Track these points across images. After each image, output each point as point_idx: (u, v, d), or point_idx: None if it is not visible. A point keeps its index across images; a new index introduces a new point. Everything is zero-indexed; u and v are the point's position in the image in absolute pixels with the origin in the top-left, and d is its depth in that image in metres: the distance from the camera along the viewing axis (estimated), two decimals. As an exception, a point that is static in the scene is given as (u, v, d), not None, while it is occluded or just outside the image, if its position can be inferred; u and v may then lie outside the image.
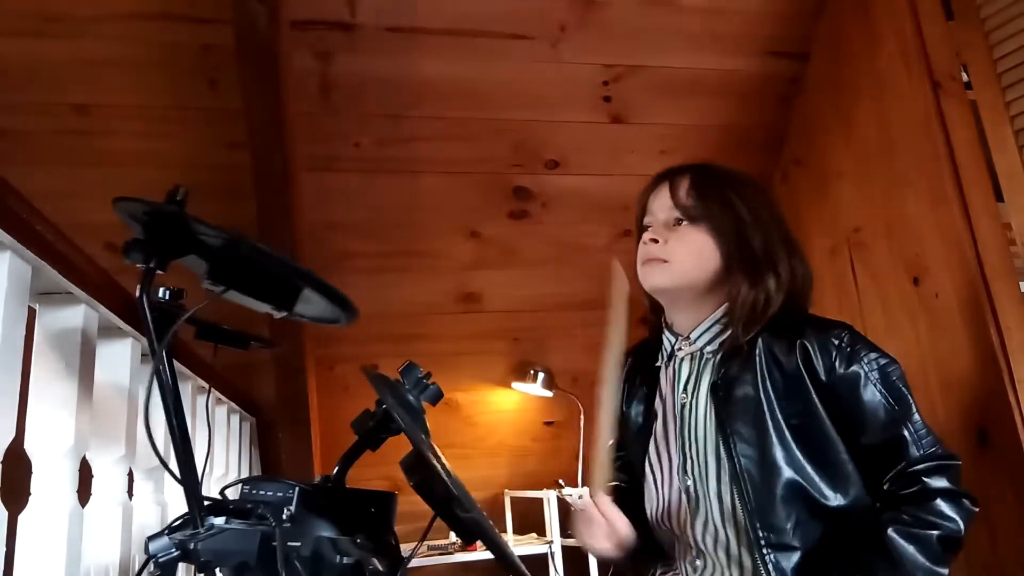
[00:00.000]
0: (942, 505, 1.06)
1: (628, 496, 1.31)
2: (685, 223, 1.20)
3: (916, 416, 1.11)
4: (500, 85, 2.69)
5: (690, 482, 1.17)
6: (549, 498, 2.87)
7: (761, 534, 1.10)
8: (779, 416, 1.12)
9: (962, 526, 1.06)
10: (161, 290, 0.74)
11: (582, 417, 3.15)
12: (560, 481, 2.91)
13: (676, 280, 1.20)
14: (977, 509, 1.08)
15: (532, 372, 3.12)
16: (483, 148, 2.81)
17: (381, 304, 2.86)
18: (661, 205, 1.24)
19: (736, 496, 1.12)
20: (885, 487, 1.10)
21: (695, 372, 1.22)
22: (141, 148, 2.51)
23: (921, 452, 1.09)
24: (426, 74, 2.62)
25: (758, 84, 2.84)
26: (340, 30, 2.50)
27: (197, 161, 2.54)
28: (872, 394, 1.10)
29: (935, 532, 1.05)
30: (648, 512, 1.26)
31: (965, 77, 2.24)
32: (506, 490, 3.14)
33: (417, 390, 0.79)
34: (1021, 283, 2.10)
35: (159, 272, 0.72)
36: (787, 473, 1.10)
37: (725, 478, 1.13)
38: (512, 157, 2.86)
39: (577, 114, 2.81)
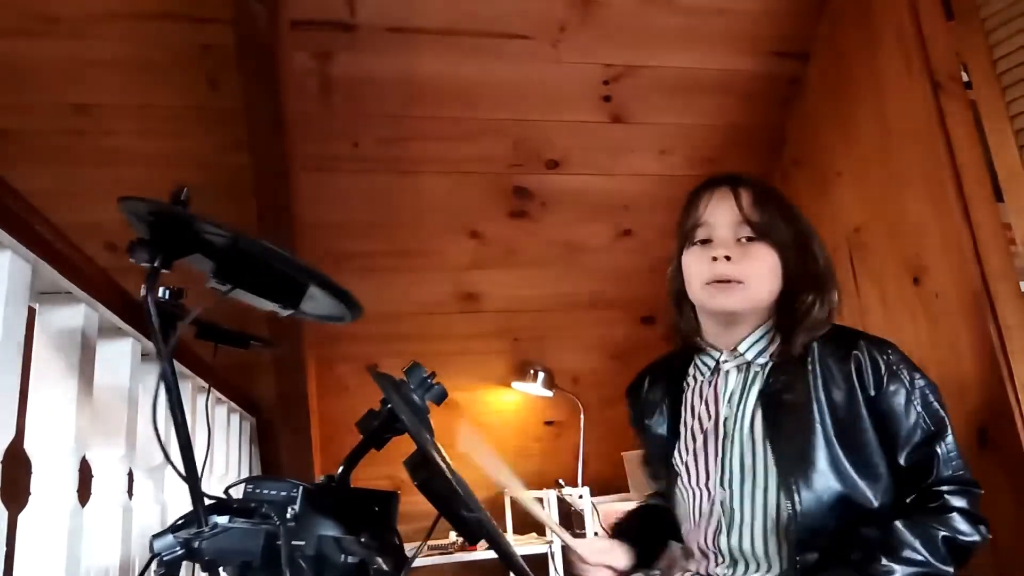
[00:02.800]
0: (957, 519, 1.10)
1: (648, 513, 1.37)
2: (754, 240, 1.18)
3: (950, 438, 1.15)
4: (500, 85, 2.69)
5: (726, 494, 1.17)
6: (549, 498, 2.88)
7: (800, 537, 1.11)
8: (828, 423, 1.14)
9: (972, 540, 1.09)
10: (161, 290, 0.74)
11: (582, 417, 3.15)
12: (560, 481, 2.91)
13: (752, 302, 1.19)
14: (989, 537, 1.12)
15: (532, 372, 3.12)
16: (483, 148, 2.81)
17: (381, 304, 2.86)
18: (724, 218, 1.19)
19: (782, 503, 1.12)
20: (908, 500, 1.14)
21: (742, 384, 1.21)
22: (141, 148, 2.51)
23: (949, 473, 1.13)
24: (426, 74, 2.62)
25: (758, 84, 2.84)
26: (340, 30, 2.49)
27: (197, 161, 2.54)
28: (914, 414, 1.14)
29: (943, 533, 1.08)
30: (681, 521, 1.27)
31: (965, 77, 2.24)
32: (506, 490, 3.14)
33: (422, 390, 0.79)
34: (1021, 283, 2.10)
35: (164, 272, 0.72)
36: (833, 479, 1.11)
37: (772, 486, 1.13)
38: (512, 157, 2.86)
39: (577, 114, 2.81)
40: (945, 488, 1.12)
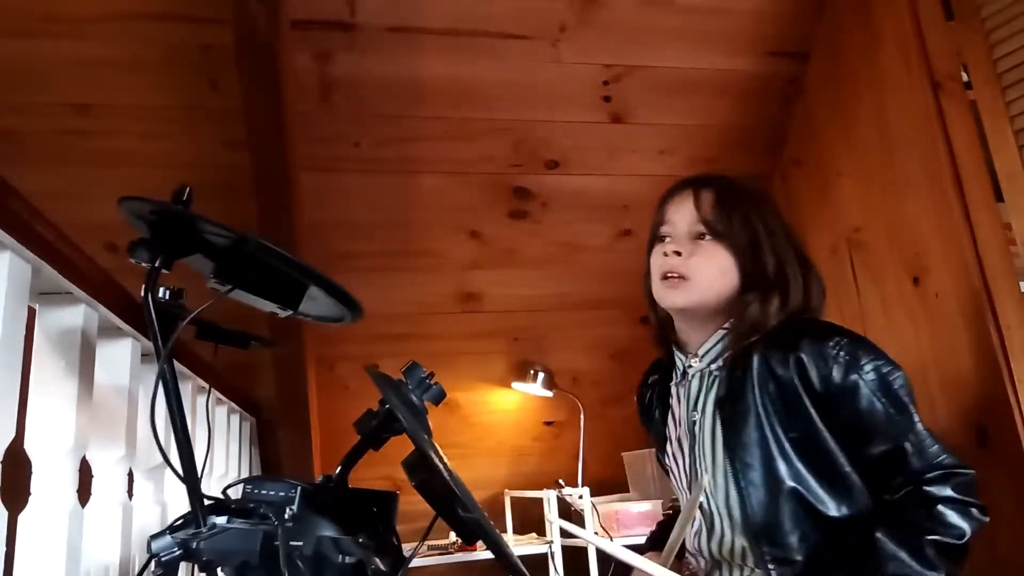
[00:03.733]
0: (944, 511, 1.03)
1: None
2: (707, 238, 1.19)
3: (918, 426, 1.09)
4: (500, 85, 2.69)
5: (702, 498, 1.17)
6: (549, 498, 2.87)
7: (765, 549, 1.09)
8: (778, 429, 1.11)
9: (966, 532, 1.02)
10: (161, 290, 0.74)
11: (582, 417, 3.15)
12: (560, 481, 2.91)
13: (696, 299, 1.19)
14: (987, 519, 1.05)
15: (532, 372, 3.12)
16: (483, 148, 2.81)
17: (381, 304, 2.86)
18: (683, 217, 1.21)
19: (742, 511, 1.12)
20: (887, 497, 1.08)
21: (703, 389, 1.22)
22: (141, 148, 2.51)
23: (924, 462, 1.06)
24: (426, 74, 2.62)
25: (758, 84, 2.84)
26: (340, 30, 2.50)
27: (197, 161, 2.54)
28: (871, 404, 1.08)
29: (930, 536, 1.02)
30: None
31: (965, 77, 2.24)
32: (506, 490, 3.14)
33: (420, 390, 0.79)
34: (1021, 283, 2.10)
35: (164, 272, 0.72)
36: (790, 487, 1.09)
37: (733, 493, 1.13)
38: (512, 157, 2.86)
39: (577, 114, 2.81)
40: (924, 478, 1.05)
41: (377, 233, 2.88)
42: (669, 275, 1.19)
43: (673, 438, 1.26)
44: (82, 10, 2.34)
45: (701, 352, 1.22)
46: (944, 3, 2.26)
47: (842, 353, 1.09)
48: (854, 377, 1.08)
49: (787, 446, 1.10)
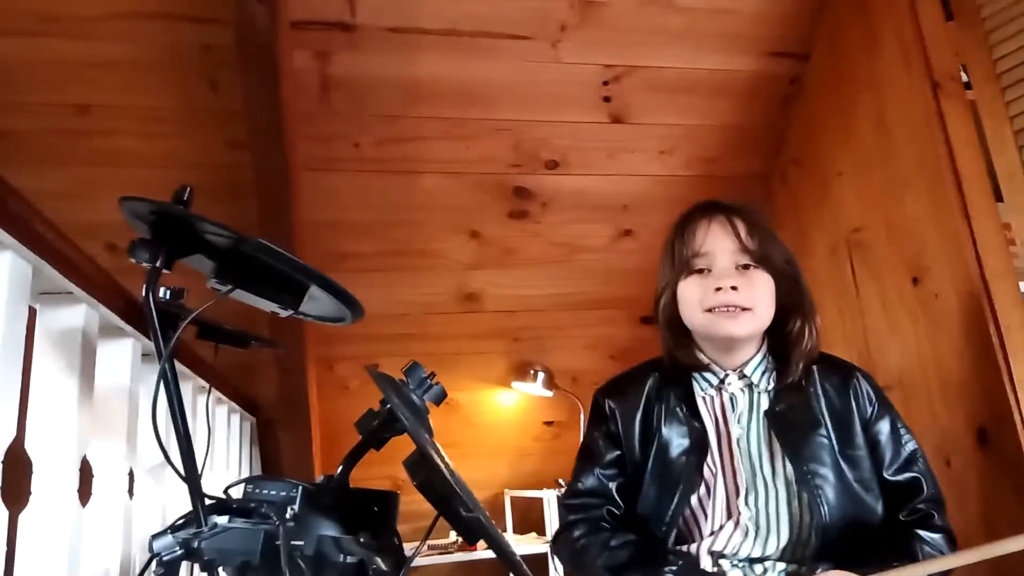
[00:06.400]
0: (942, 542, 1.18)
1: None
2: (751, 267, 1.20)
3: (923, 459, 1.24)
4: (500, 85, 2.69)
5: (751, 513, 1.16)
6: (549, 498, 2.87)
7: (821, 547, 1.13)
8: (835, 444, 1.19)
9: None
10: (162, 290, 0.74)
11: (582, 417, 3.15)
12: (560, 481, 2.91)
13: (757, 327, 1.20)
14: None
15: (532, 372, 3.13)
16: (483, 148, 2.81)
17: (381, 304, 2.86)
18: (723, 248, 1.20)
19: (804, 517, 1.15)
20: (902, 516, 1.19)
21: (749, 404, 1.22)
22: (141, 148, 2.51)
23: (929, 491, 1.20)
24: (426, 74, 2.62)
25: (758, 84, 2.84)
26: (340, 30, 2.50)
27: (197, 161, 2.54)
28: (898, 438, 1.23)
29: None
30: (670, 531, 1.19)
31: (965, 77, 2.24)
32: (506, 490, 3.14)
33: (421, 390, 0.79)
34: (1021, 283, 2.10)
35: (165, 271, 0.72)
36: (843, 494, 1.16)
37: (795, 501, 1.15)
38: (512, 157, 2.86)
39: (577, 114, 2.81)
40: (931, 506, 1.19)
41: (377, 233, 2.88)
42: (730, 308, 1.18)
43: (714, 448, 1.20)
44: (82, 10, 2.34)
45: (749, 370, 1.23)
46: (944, 3, 2.26)
47: (879, 391, 1.26)
48: (887, 413, 1.24)
49: (841, 461, 1.18)
